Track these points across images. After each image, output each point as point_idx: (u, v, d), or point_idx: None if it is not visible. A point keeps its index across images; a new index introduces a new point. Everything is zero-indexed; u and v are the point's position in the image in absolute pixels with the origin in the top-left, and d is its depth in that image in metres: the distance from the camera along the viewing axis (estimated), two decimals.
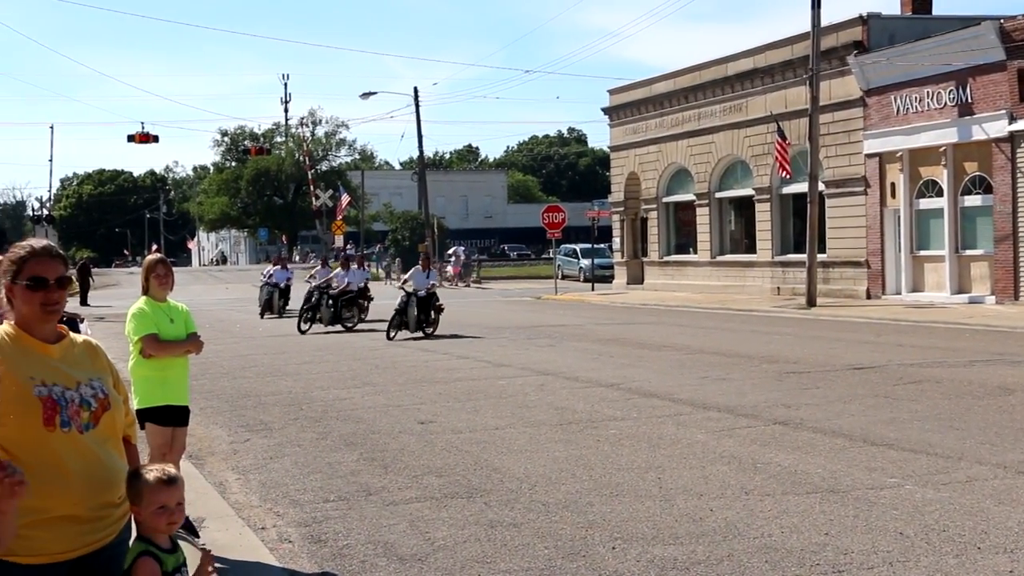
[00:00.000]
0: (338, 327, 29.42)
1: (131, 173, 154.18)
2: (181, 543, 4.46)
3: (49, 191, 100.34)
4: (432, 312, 26.69)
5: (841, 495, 9.26)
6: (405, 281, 27.43)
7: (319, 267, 33.66)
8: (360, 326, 29.68)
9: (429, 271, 27.62)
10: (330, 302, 29.40)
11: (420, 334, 26.25)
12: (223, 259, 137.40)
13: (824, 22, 35.42)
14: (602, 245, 58.41)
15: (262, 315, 34.28)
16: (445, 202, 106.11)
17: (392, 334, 26.00)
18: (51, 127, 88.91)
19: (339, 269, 31.06)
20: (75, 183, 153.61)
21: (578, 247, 64.15)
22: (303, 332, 28.15)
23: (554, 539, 8.14)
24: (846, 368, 18.07)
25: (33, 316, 4.11)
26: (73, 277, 37.77)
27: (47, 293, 4.09)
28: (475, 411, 14.45)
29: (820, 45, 35.01)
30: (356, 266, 31.01)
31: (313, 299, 29.45)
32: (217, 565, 7.47)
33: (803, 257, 35.95)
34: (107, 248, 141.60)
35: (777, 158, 37.70)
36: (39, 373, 4.02)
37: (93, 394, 4.12)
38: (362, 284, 30.05)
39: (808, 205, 35.09)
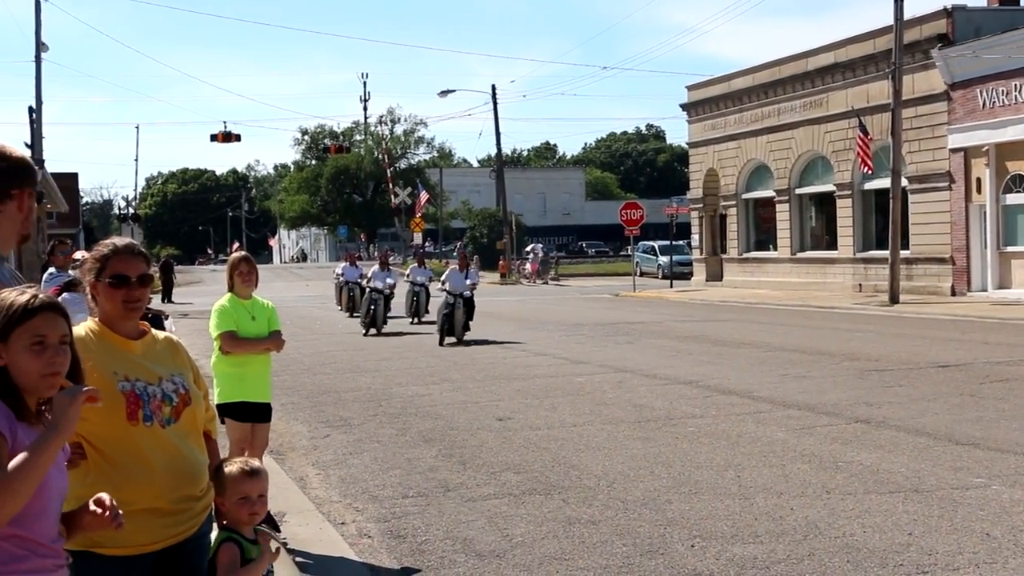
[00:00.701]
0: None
1: (214, 172, 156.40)
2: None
3: (135, 190, 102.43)
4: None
5: (925, 495, 9.12)
6: (443, 282, 24.79)
7: (375, 267, 30.07)
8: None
9: (467, 270, 25.13)
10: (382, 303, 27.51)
11: (453, 339, 23.86)
12: (303, 257, 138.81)
13: (907, 15, 34.89)
14: (681, 242, 58.05)
15: (366, 331, 27.12)
16: (523, 199, 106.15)
17: (443, 340, 23.76)
18: (137, 127, 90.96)
19: (376, 267, 29.34)
20: (160, 182, 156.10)
21: (656, 244, 63.78)
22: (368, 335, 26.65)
23: (632, 537, 8.11)
24: (930, 366, 17.79)
25: (116, 313, 4.19)
26: (155, 275, 38.14)
27: (129, 290, 4.17)
28: (553, 408, 14.44)
29: (903, 38, 34.47)
30: (379, 267, 29.00)
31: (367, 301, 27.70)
32: (298, 559, 7.57)
33: (886, 253, 35.43)
34: (190, 246, 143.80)
35: (859, 153, 37.16)
36: (122, 368, 4.09)
37: (174, 389, 4.18)
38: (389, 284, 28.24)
39: (891, 201, 34.57)
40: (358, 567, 7.65)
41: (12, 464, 3.10)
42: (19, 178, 4.12)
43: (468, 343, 23.40)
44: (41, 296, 3.33)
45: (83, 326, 4.19)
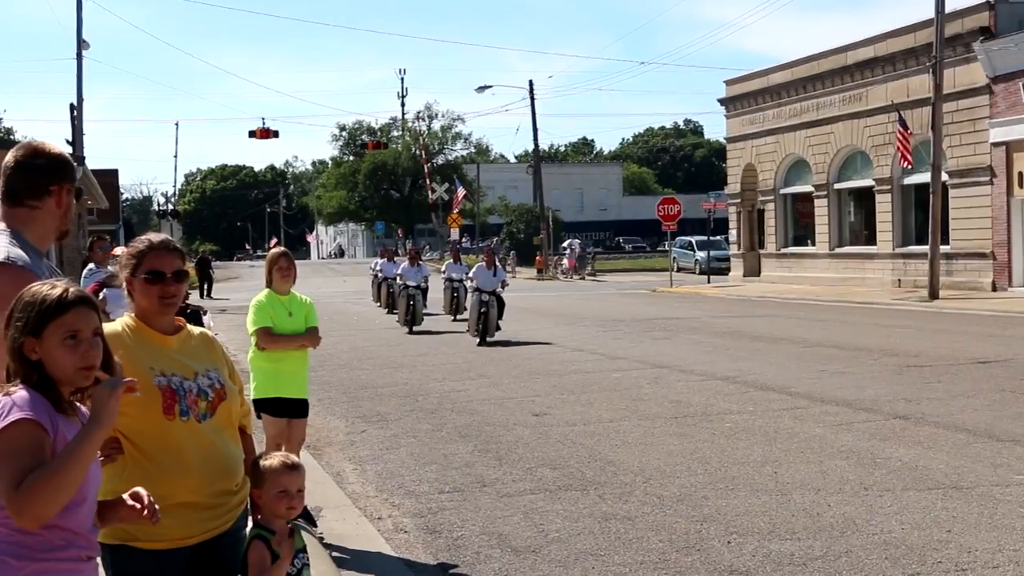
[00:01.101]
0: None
1: (252, 168, 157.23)
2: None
3: (174, 186, 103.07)
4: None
5: (965, 492, 9.04)
6: (471, 279, 24.30)
7: (405, 263, 29.81)
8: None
9: (495, 268, 24.38)
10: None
11: (478, 340, 23.14)
12: (341, 252, 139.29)
13: (948, 8, 34.56)
14: (718, 237, 57.79)
15: (410, 329, 26.62)
16: (560, 195, 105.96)
17: (484, 339, 23.10)
18: (176, 124, 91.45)
19: (406, 263, 29.11)
20: (199, 178, 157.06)
21: (694, 239, 63.55)
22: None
23: (668, 532, 8.10)
24: (970, 362, 17.63)
25: (151, 308, 4.21)
26: (191, 270, 38.23)
27: (164, 286, 4.19)
28: (589, 404, 14.43)
29: (944, 32, 34.17)
30: (409, 263, 28.87)
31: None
32: (334, 554, 7.60)
33: (925, 249, 35.15)
34: (229, 242, 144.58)
35: (899, 148, 36.86)
36: (158, 364, 4.12)
37: (210, 384, 4.21)
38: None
39: (931, 195, 34.28)
40: (394, 562, 7.67)
41: (58, 459, 3.14)
42: (57, 174, 4.15)
43: (506, 341, 23.38)
44: (73, 290, 3.35)
45: (119, 321, 4.23)
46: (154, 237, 4.36)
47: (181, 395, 4.09)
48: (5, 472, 3.12)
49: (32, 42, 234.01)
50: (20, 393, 3.22)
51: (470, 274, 24.86)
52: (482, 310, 23.33)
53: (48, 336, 3.28)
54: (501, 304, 23.86)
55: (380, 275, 34.81)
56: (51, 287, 3.34)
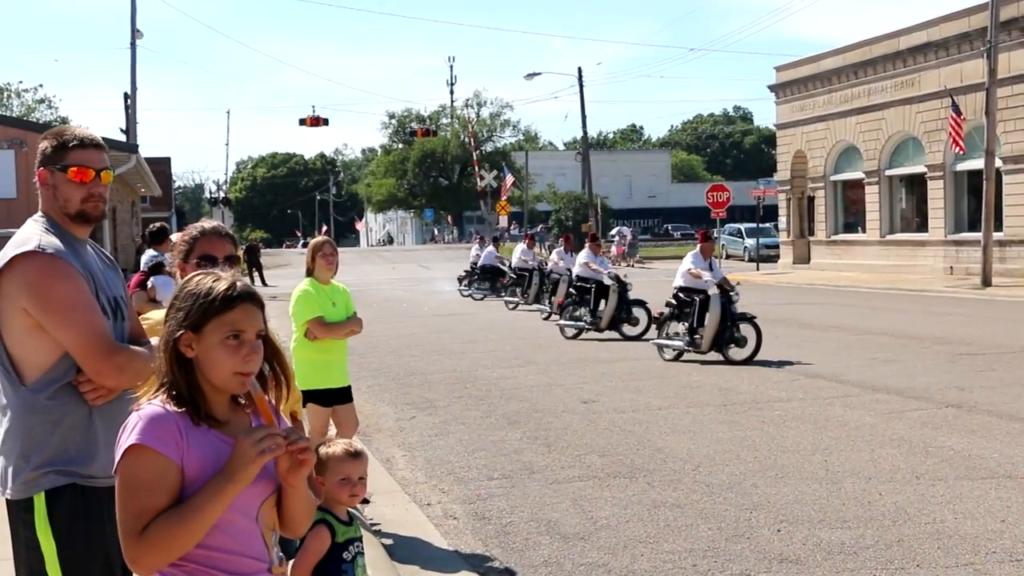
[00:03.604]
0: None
1: (302, 156, 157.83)
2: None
3: (225, 174, 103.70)
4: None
5: (1019, 481, 8.95)
6: (588, 264, 22.54)
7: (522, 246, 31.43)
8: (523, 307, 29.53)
9: (571, 252, 25.14)
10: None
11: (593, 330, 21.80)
12: (390, 240, 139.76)
13: None
14: (767, 224, 57.43)
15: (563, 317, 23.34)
16: (609, 182, 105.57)
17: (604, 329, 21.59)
18: (227, 112, 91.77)
19: (522, 246, 30.97)
20: (249, 166, 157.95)
21: (743, 226, 63.18)
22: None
23: (718, 520, 8.08)
24: None
25: None
26: (242, 257, 38.57)
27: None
28: (638, 391, 14.41)
29: (999, 16, 33.70)
30: (491, 246, 29.75)
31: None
32: (385, 541, 7.64)
33: (978, 236, 34.74)
34: (279, 229, 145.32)
35: (951, 134, 36.42)
36: None
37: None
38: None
39: (984, 182, 33.88)
40: (443, 548, 7.70)
41: (182, 512, 2.86)
42: (44, 158, 4.13)
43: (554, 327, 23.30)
44: (240, 284, 3.03)
45: None
46: (207, 223, 4.45)
47: None
48: (127, 509, 2.88)
49: (87, 32, 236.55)
50: (149, 409, 2.95)
51: (583, 259, 22.86)
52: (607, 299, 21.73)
53: (209, 333, 2.96)
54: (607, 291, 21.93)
55: (481, 263, 34.45)
56: (215, 278, 3.03)
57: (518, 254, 30.99)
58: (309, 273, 8.80)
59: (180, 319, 2.97)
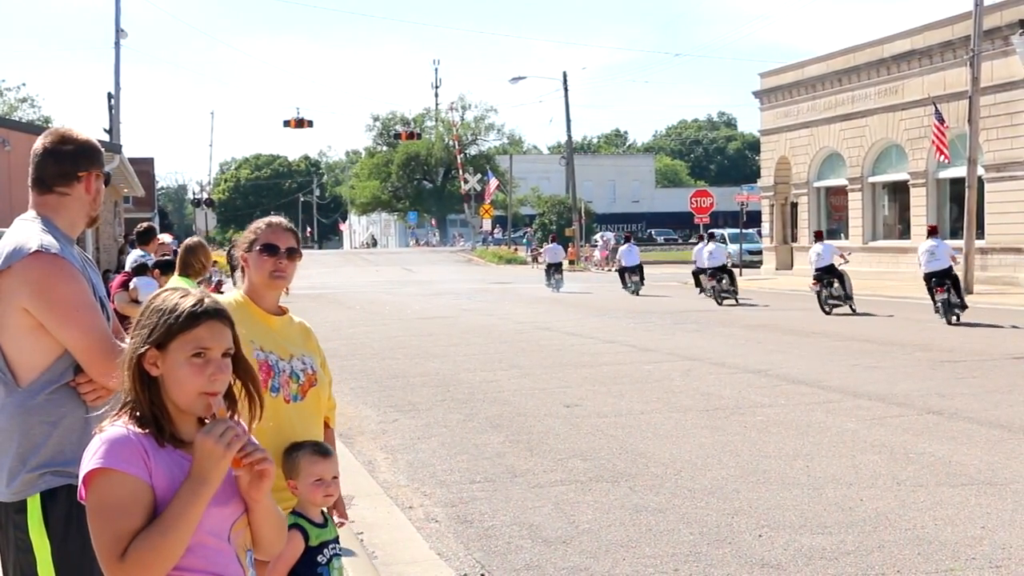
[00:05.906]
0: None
1: (286, 157, 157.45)
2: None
3: (209, 175, 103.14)
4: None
5: (999, 488, 8.98)
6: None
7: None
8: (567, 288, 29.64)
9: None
10: None
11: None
12: (373, 242, 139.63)
13: (987, 1, 34.25)
14: (751, 230, 57.59)
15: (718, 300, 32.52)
16: (592, 186, 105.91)
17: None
18: (211, 113, 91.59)
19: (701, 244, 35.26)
20: (233, 167, 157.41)
21: (726, 232, 63.38)
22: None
23: (699, 525, 8.08)
24: (1005, 357, 17.50)
25: (261, 282, 4.42)
26: (221, 259, 38.70)
27: (276, 260, 4.41)
28: (620, 395, 14.42)
29: (983, 24, 33.88)
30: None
31: None
32: (366, 544, 7.62)
33: (960, 243, 34.82)
34: None
35: (934, 142, 36.61)
36: (259, 339, 4.28)
37: (303, 368, 4.39)
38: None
39: (966, 190, 34.02)
40: (425, 551, 7.69)
41: (161, 524, 2.78)
42: (86, 160, 4.16)
43: (539, 330, 23.35)
44: (208, 301, 2.96)
45: (230, 296, 4.45)
46: (272, 218, 4.62)
47: (276, 372, 4.27)
48: (102, 536, 2.78)
49: (71, 31, 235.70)
50: (112, 432, 2.87)
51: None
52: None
53: (173, 351, 2.89)
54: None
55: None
56: (183, 294, 2.96)
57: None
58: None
59: (144, 336, 2.91)
